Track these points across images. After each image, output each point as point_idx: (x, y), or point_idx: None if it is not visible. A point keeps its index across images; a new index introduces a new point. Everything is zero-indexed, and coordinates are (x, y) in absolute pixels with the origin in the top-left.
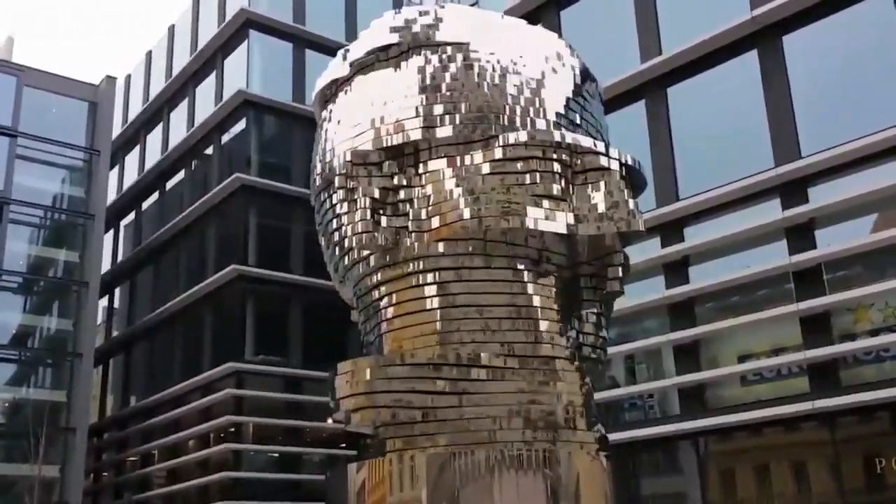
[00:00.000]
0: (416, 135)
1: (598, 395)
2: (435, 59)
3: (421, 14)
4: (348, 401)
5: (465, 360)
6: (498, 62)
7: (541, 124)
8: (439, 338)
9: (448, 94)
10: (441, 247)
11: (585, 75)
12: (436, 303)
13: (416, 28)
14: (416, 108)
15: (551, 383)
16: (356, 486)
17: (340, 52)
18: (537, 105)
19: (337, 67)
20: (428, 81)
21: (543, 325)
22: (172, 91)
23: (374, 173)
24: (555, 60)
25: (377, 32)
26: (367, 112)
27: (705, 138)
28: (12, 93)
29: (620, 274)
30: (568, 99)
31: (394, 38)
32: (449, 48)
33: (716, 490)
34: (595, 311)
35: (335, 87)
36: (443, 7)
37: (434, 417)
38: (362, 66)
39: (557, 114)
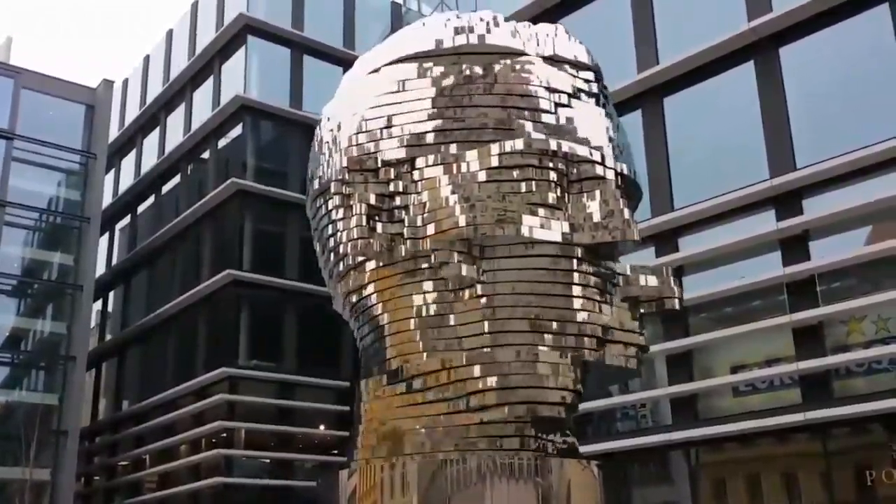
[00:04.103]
0: (412, 142)
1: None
2: (432, 68)
3: (419, 25)
4: None
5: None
6: (497, 70)
7: (538, 132)
8: (435, 344)
9: (445, 102)
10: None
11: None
12: (432, 310)
13: (415, 38)
14: (413, 116)
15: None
16: (347, 493)
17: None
18: (535, 113)
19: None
20: (424, 90)
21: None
22: (170, 95)
23: (370, 180)
24: (556, 66)
25: (386, 46)
26: (363, 119)
27: (701, 148)
28: (9, 95)
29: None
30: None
31: (393, 49)
32: (448, 58)
33: (707, 500)
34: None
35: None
36: (443, 17)
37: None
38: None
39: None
